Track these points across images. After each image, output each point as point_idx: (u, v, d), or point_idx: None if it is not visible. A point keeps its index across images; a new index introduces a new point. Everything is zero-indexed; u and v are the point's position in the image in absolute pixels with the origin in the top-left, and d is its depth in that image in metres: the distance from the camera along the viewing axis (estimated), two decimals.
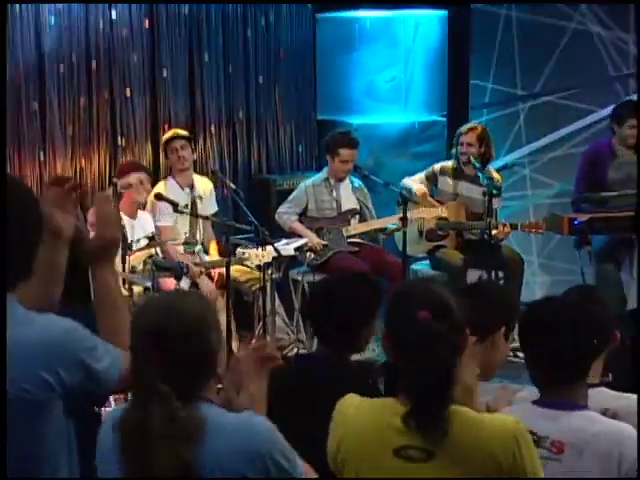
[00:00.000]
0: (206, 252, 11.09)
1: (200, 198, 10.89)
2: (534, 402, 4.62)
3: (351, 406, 4.21)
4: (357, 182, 11.34)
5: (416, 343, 3.98)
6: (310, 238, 10.96)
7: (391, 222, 10.97)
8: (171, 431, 3.78)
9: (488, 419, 4.06)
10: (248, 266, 10.28)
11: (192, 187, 10.85)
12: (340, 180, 11.26)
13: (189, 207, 10.60)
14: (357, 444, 4.13)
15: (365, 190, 11.39)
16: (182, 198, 10.59)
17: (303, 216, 11.21)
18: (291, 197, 11.36)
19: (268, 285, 10.49)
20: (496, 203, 10.74)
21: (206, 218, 10.69)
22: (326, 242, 10.94)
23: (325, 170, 11.30)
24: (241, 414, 4.00)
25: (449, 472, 3.93)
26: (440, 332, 3.95)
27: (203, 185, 11.07)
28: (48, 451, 4.06)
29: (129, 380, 4.03)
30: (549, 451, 4.47)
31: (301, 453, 4.08)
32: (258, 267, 10.31)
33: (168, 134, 11.13)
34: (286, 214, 11.17)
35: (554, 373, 4.58)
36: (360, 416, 4.16)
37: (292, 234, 11.11)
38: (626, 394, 4.94)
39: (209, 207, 10.97)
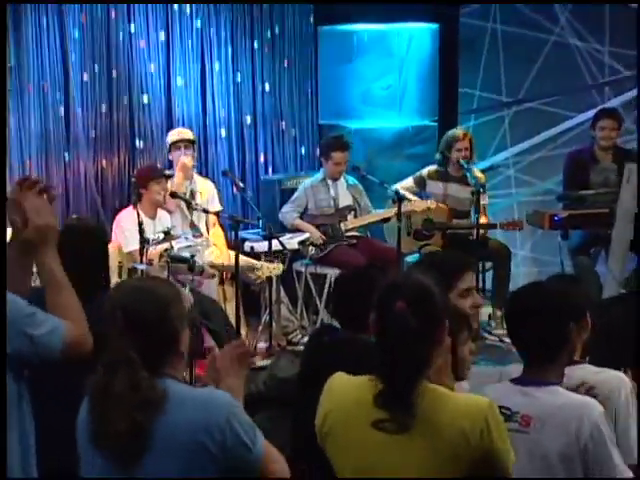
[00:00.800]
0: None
1: (200, 194, 10.90)
2: (512, 380, 4.65)
3: (338, 384, 4.20)
4: (351, 180, 11.36)
5: (390, 332, 3.99)
6: (312, 233, 11.00)
7: (386, 216, 11.01)
8: (132, 397, 3.81)
9: (462, 398, 4.04)
10: (259, 275, 10.22)
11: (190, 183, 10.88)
12: (335, 180, 11.28)
13: (199, 204, 10.61)
14: (340, 418, 4.11)
15: (359, 187, 11.40)
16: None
17: (304, 214, 11.21)
18: (293, 198, 11.34)
19: (274, 276, 10.50)
20: (483, 199, 10.87)
21: (205, 211, 10.65)
22: (325, 237, 10.97)
23: (322, 171, 11.33)
24: (203, 389, 4.06)
25: (421, 444, 3.91)
26: (412, 324, 3.94)
27: (205, 185, 11.09)
28: None
29: (76, 350, 4.15)
30: (519, 424, 4.51)
31: None
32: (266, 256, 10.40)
33: (173, 136, 11.18)
34: (288, 213, 11.20)
35: (533, 353, 4.62)
36: (344, 392, 4.14)
37: (295, 231, 11.12)
38: (607, 369, 4.97)
39: (211, 206, 10.90)
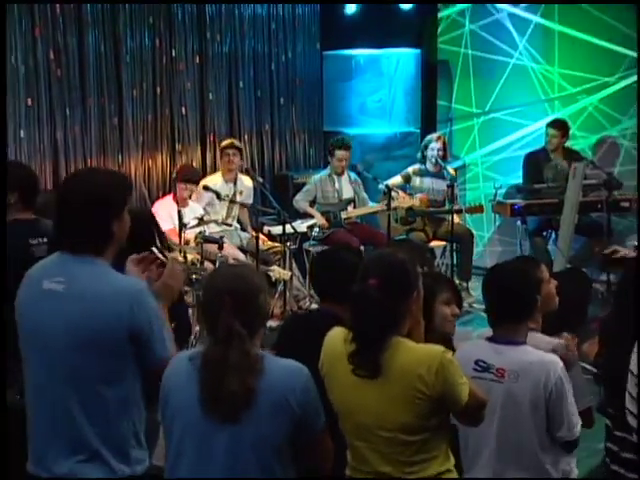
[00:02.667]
0: (244, 230, 11.05)
1: (240, 192, 10.92)
2: (486, 339, 4.64)
3: (331, 336, 4.19)
4: (353, 176, 11.39)
5: (359, 304, 4.02)
6: (318, 218, 11.07)
7: (378, 209, 11.05)
8: (244, 364, 3.76)
9: (421, 347, 4.02)
10: (270, 276, 10.04)
11: (235, 182, 10.88)
12: (339, 174, 11.29)
13: (229, 196, 10.61)
14: (331, 364, 4.12)
15: (359, 182, 11.43)
16: (226, 189, 10.69)
17: (314, 202, 11.24)
18: (305, 189, 11.37)
19: (287, 254, 10.58)
20: (455, 190, 10.95)
21: (237, 203, 10.77)
22: (328, 223, 11.06)
23: (328, 167, 11.40)
24: (283, 359, 3.99)
25: (390, 386, 3.92)
26: (379, 299, 3.94)
27: (246, 182, 11.08)
28: None
29: None
30: (495, 375, 4.48)
31: None
32: (280, 240, 10.46)
33: (226, 142, 11.18)
34: (301, 201, 11.27)
35: (505, 318, 4.61)
36: (335, 344, 4.13)
37: (304, 215, 11.18)
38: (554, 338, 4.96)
39: (247, 199, 10.96)
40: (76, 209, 4.09)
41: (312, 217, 11.15)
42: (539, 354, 4.54)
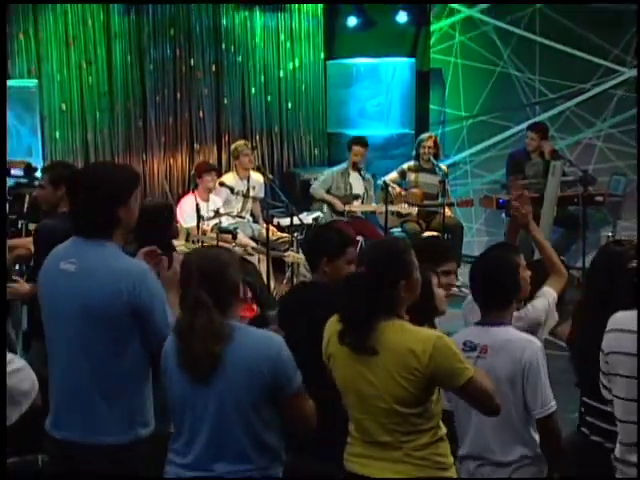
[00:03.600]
0: (256, 222, 11.01)
1: (253, 188, 10.87)
2: (475, 323, 4.58)
3: (333, 321, 4.09)
4: (367, 175, 11.29)
5: (349, 288, 4.01)
6: (335, 203, 11.03)
7: (379, 210, 10.92)
8: (209, 330, 3.77)
9: (418, 330, 3.97)
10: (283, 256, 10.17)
11: (248, 179, 10.82)
12: (355, 168, 11.15)
13: (243, 191, 10.57)
14: (335, 342, 4.04)
15: (372, 181, 11.31)
16: (240, 185, 10.65)
17: (328, 192, 11.09)
18: (322, 179, 11.19)
19: (295, 243, 10.46)
20: (447, 185, 10.92)
21: (250, 198, 10.73)
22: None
23: (346, 162, 11.25)
24: (260, 330, 4.03)
25: (386, 363, 3.88)
26: (366, 284, 3.93)
27: (257, 178, 10.99)
28: None
29: None
30: (480, 352, 4.41)
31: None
32: (288, 230, 10.41)
33: (240, 143, 11.13)
34: (318, 188, 11.12)
35: (493, 302, 4.54)
36: (337, 326, 4.04)
37: (310, 208, 11.10)
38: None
39: (259, 193, 10.92)
40: (85, 199, 4.17)
41: (319, 209, 11.09)
42: (520, 334, 4.51)
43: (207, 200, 10.20)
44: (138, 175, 4.47)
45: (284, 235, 10.64)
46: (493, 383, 4.04)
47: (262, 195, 10.96)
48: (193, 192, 10.18)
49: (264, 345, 3.85)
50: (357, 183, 11.22)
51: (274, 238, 10.43)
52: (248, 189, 10.72)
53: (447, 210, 10.88)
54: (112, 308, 4.03)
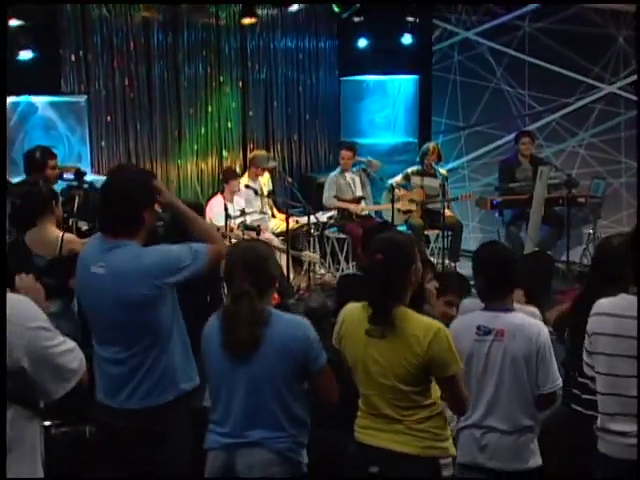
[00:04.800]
0: (273, 216, 10.95)
1: (264, 184, 10.86)
2: (481, 309, 4.51)
3: (350, 307, 4.12)
4: (356, 168, 11.17)
5: (370, 275, 4.01)
6: (351, 207, 10.96)
7: (383, 209, 11.00)
8: (251, 317, 3.82)
9: (422, 319, 3.97)
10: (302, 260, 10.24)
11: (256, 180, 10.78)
12: (345, 170, 11.03)
13: (259, 191, 10.57)
14: (348, 326, 4.06)
15: (361, 173, 11.21)
16: (255, 186, 10.61)
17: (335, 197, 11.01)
18: (326, 188, 11.06)
19: (312, 240, 10.64)
20: (447, 187, 10.89)
21: (268, 196, 10.77)
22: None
23: (338, 167, 11.16)
24: (290, 314, 4.09)
25: (393, 345, 3.88)
26: (383, 270, 3.90)
27: (264, 178, 10.97)
28: None
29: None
30: (496, 335, 4.38)
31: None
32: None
33: (260, 153, 11.12)
34: (330, 198, 11.00)
35: (493, 291, 4.49)
36: (353, 312, 4.07)
37: (327, 209, 11.02)
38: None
39: (266, 189, 10.89)
40: (114, 202, 4.12)
41: (332, 209, 11.02)
42: (530, 319, 4.51)
43: (232, 201, 10.21)
44: (154, 176, 4.46)
45: (302, 223, 10.63)
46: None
47: (270, 188, 11.01)
48: (221, 194, 10.24)
49: (294, 327, 3.91)
50: (355, 180, 11.16)
51: (294, 227, 10.43)
52: (261, 188, 10.70)
53: (447, 211, 10.84)
54: (143, 300, 4.04)
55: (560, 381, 4.46)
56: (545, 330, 4.47)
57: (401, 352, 3.88)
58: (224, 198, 10.12)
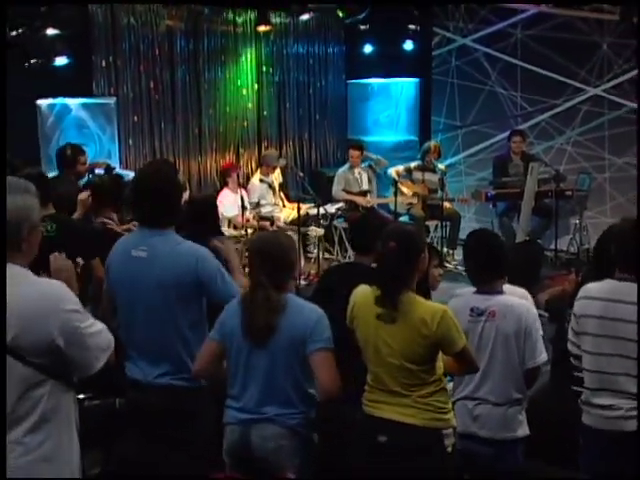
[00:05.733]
0: (284, 206, 10.93)
1: (276, 178, 10.86)
2: (474, 292, 4.48)
3: (362, 289, 4.06)
4: (365, 165, 11.18)
5: (384, 261, 3.95)
6: (358, 200, 10.95)
7: (387, 201, 10.96)
8: (266, 305, 3.81)
9: (428, 303, 3.96)
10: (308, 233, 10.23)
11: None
12: (354, 167, 11.05)
13: (272, 185, 10.60)
14: (360, 308, 4.02)
15: (368, 169, 11.22)
16: (267, 180, 10.65)
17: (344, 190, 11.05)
18: (336, 182, 11.07)
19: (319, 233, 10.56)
20: (445, 181, 10.91)
21: (280, 189, 10.80)
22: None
23: (347, 163, 11.18)
24: (304, 301, 4.00)
25: (402, 328, 3.85)
26: (397, 257, 3.87)
27: (275, 173, 10.98)
28: None
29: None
30: (487, 316, 4.37)
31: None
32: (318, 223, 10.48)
33: (270, 153, 11.10)
34: (338, 191, 11.03)
35: (484, 275, 4.46)
36: (364, 294, 4.03)
37: (335, 201, 11.03)
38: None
39: (277, 183, 10.88)
40: (150, 195, 4.11)
41: (341, 201, 11.03)
42: (519, 300, 4.48)
43: (236, 192, 10.25)
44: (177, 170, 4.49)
45: (311, 214, 10.63)
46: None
47: (280, 181, 10.99)
48: (227, 187, 10.34)
49: (306, 313, 3.87)
50: (363, 176, 11.14)
51: (304, 213, 10.43)
52: (273, 182, 10.70)
53: (446, 203, 10.86)
54: (181, 282, 4.03)
55: (545, 356, 4.43)
56: (533, 309, 4.46)
57: (411, 335, 3.87)
58: (230, 190, 10.15)
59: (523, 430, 4.45)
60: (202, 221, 5.31)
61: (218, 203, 9.71)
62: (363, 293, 4.08)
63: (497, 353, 4.41)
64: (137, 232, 4.25)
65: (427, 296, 4.48)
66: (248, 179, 11.48)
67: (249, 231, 9.72)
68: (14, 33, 8.58)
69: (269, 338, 3.83)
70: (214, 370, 4.02)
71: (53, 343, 2.90)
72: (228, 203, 10.02)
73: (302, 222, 10.18)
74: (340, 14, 10.77)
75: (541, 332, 4.43)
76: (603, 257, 4.57)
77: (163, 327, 4.10)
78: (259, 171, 10.92)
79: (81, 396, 3.68)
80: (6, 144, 5.86)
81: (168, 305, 4.07)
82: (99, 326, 3.06)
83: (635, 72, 10.69)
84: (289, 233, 9.59)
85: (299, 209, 9.81)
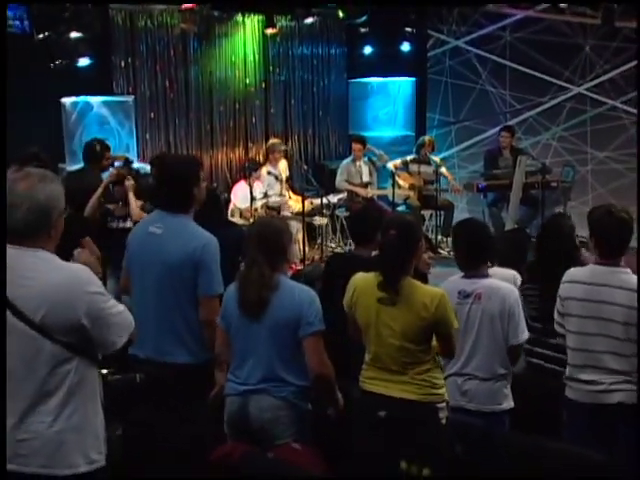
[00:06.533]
0: (289, 198, 10.85)
1: (283, 170, 10.75)
2: (461, 277, 4.48)
3: (362, 275, 4.07)
4: (367, 159, 11.07)
5: (385, 248, 3.95)
6: (359, 191, 10.89)
7: (386, 193, 10.85)
8: (260, 282, 3.81)
9: (427, 287, 3.98)
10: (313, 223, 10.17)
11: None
12: (356, 159, 10.96)
13: (279, 177, 10.51)
14: (361, 293, 4.02)
15: (370, 164, 11.10)
16: (274, 172, 10.57)
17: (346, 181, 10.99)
18: (339, 173, 10.98)
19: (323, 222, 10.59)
20: (447, 172, 11.01)
21: (286, 181, 10.71)
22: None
23: (351, 156, 11.14)
24: (298, 283, 3.99)
25: (403, 311, 3.86)
26: (397, 243, 3.86)
27: (282, 164, 10.79)
28: None
29: None
30: (474, 298, 4.38)
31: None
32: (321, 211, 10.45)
33: (275, 141, 10.98)
34: (341, 182, 10.96)
35: (469, 260, 4.48)
36: (364, 279, 4.03)
37: (337, 191, 11.00)
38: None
39: (286, 173, 10.80)
40: (170, 182, 4.23)
41: (343, 192, 11.01)
42: (502, 283, 4.49)
43: (252, 185, 10.18)
44: (202, 163, 4.57)
45: (316, 204, 10.60)
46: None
47: (287, 174, 10.88)
48: (245, 180, 10.25)
49: (296, 293, 3.86)
50: (364, 169, 11.08)
51: (309, 208, 10.42)
52: (280, 174, 10.64)
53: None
54: (185, 261, 4.08)
55: (526, 335, 4.43)
56: (516, 291, 4.46)
57: (411, 316, 3.87)
58: (249, 183, 10.10)
59: (508, 403, 4.47)
60: (213, 213, 5.36)
61: (232, 194, 9.96)
62: (363, 279, 4.07)
63: (483, 332, 4.42)
64: (156, 213, 4.33)
65: (424, 280, 4.48)
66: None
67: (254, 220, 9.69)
68: (40, 36, 8.62)
69: (262, 312, 3.83)
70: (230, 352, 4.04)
71: (79, 323, 2.93)
72: (242, 194, 9.99)
73: (309, 213, 10.17)
74: (340, 14, 10.76)
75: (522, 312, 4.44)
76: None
77: (168, 302, 4.13)
78: (268, 162, 10.89)
79: (104, 371, 3.71)
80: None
81: (173, 281, 4.11)
82: (120, 307, 3.09)
83: (615, 72, 10.76)
84: (294, 222, 9.85)
85: (303, 202, 9.82)
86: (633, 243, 4.32)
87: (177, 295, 4.12)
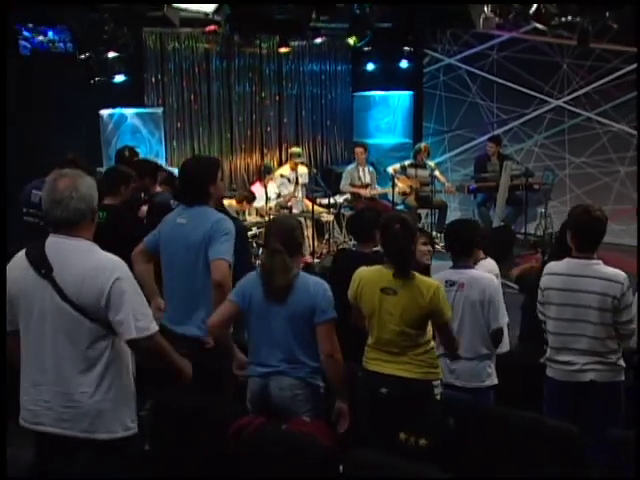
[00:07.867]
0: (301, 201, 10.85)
1: (301, 176, 10.60)
2: (450, 267, 4.52)
3: (364, 269, 4.07)
4: (371, 169, 11.05)
5: (390, 240, 3.95)
6: (360, 192, 10.82)
7: (387, 191, 10.78)
8: (284, 267, 3.75)
9: (424, 278, 3.96)
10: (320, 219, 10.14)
11: (296, 171, 10.55)
12: (359, 165, 10.87)
13: (294, 179, 10.46)
14: (366, 284, 4.01)
15: (374, 172, 11.08)
16: (292, 175, 10.53)
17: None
18: (344, 177, 10.93)
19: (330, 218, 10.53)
20: (441, 174, 11.00)
21: (304, 186, 10.64)
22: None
23: (354, 161, 11.08)
24: (313, 276, 3.94)
25: (402, 300, 3.87)
26: (402, 235, 3.89)
27: (302, 170, 10.60)
28: None
29: None
30: (458, 287, 4.41)
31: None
32: (327, 207, 10.39)
33: (296, 150, 10.80)
34: (345, 185, 10.89)
35: (460, 253, 4.50)
36: (368, 272, 4.04)
37: (342, 193, 10.93)
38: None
39: (305, 180, 10.63)
40: (188, 179, 4.33)
41: (347, 193, 10.94)
42: (483, 273, 4.52)
43: (267, 187, 10.19)
44: (220, 162, 4.59)
45: (324, 210, 10.54)
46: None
47: (307, 181, 10.76)
48: (260, 181, 10.28)
49: (311, 284, 3.82)
50: (367, 175, 11.03)
51: (318, 212, 10.36)
52: (297, 178, 10.58)
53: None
54: (203, 239, 4.14)
55: (506, 320, 4.44)
56: (495, 281, 4.48)
57: (410, 304, 3.87)
58: (263, 184, 10.07)
59: (491, 380, 4.51)
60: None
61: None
62: (368, 272, 4.07)
63: (465, 317, 4.43)
64: (180, 208, 4.39)
65: (427, 272, 4.56)
66: None
67: (272, 217, 9.66)
68: (82, 56, 8.69)
69: (287, 296, 3.76)
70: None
71: (103, 304, 2.94)
72: (257, 195, 9.96)
73: (317, 212, 10.13)
74: (351, 42, 10.76)
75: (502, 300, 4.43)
76: (563, 241, 4.55)
77: (192, 283, 4.17)
78: (286, 166, 10.82)
79: None
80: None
81: (195, 263, 4.16)
82: (143, 298, 3.08)
83: (589, 87, 10.78)
84: (303, 219, 9.85)
85: (313, 205, 9.82)
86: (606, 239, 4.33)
87: (201, 275, 4.14)
